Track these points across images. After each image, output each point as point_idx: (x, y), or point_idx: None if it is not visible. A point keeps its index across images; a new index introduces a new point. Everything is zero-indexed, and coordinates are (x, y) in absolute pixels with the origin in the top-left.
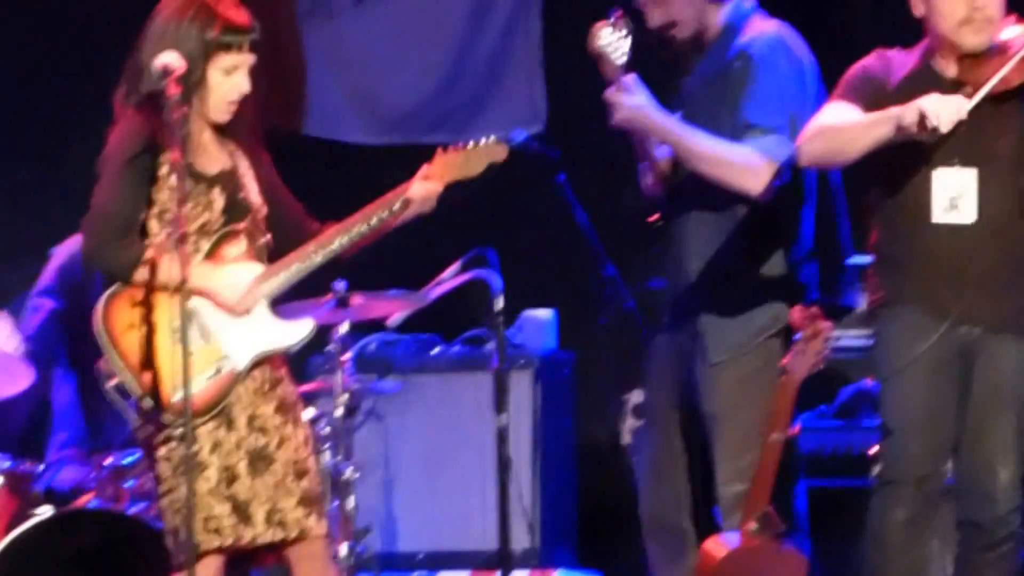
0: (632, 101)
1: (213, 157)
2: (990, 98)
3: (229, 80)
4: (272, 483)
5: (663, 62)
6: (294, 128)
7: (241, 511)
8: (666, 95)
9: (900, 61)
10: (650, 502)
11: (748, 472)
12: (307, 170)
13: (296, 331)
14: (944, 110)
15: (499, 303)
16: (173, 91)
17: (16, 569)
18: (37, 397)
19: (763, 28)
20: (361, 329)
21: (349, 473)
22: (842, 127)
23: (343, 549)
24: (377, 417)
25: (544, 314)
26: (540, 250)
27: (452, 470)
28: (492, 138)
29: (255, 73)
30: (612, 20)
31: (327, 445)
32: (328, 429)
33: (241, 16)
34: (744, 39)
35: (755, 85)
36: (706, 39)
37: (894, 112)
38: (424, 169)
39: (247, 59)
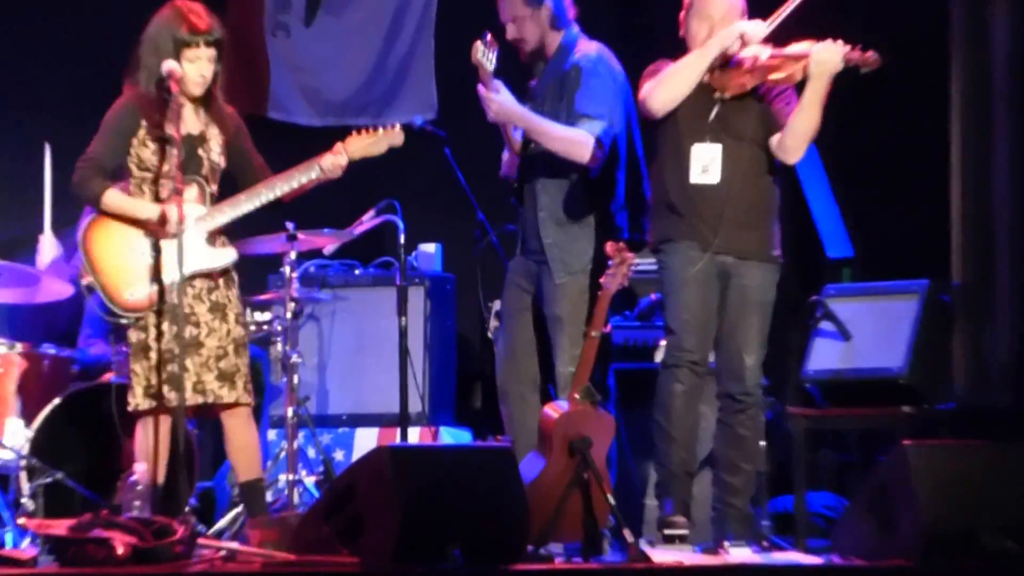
0: (500, 99)
1: (187, 124)
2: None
3: (193, 66)
4: (199, 363)
5: (521, 68)
6: (261, 112)
7: (174, 383)
8: (521, 91)
9: None
10: (505, 378)
11: (577, 359)
12: (269, 141)
13: (221, 257)
14: (753, 32)
15: (402, 238)
16: (175, 88)
17: (56, 427)
18: (76, 306)
19: (588, 48)
20: (305, 256)
21: (295, 358)
22: (677, 67)
23: (289, 412)
24: (315, 319)
25: (433, 247)
26: (432, 201)
27: (367, 356)
28: (396, 126)
29: (226, 68)
30: (485, 40)
31: (279, 338)
32: (280, 327)
33: (201, 23)
34: (576, 56)
35: (584, 87)
36: (547, 54)
37: (715, 39)
38: (337, 145)
39: (205, 52)
